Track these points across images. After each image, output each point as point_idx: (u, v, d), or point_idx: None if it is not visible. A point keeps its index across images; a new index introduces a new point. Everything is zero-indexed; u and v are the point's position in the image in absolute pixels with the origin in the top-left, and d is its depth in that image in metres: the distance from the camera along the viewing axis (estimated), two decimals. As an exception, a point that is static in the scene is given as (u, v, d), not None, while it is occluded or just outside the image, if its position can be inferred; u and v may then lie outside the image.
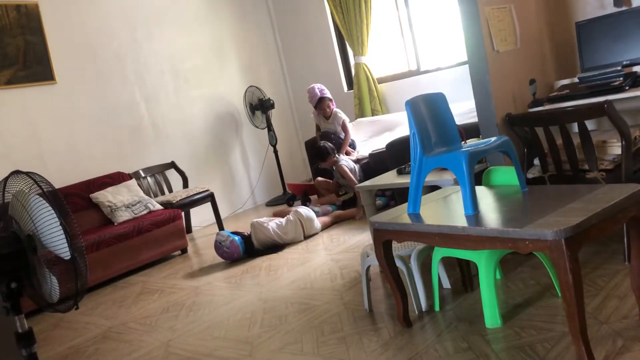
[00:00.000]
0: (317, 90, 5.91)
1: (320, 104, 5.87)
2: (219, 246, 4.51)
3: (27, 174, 1.88)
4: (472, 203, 2.27)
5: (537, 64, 3.50)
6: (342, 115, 5.88)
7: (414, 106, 2.49)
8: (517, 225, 2.00)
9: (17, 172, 1.92)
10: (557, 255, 1.89)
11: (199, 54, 6.53)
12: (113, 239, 4.70)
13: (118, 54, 5.78)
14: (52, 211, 1.86)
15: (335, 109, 5.93)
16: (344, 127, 5.82)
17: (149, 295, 4.15)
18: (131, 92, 5.86)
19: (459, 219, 2.28)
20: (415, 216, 2.47)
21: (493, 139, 2.47)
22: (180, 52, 6.34)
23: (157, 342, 3.17)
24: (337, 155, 5.35)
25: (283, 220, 4.69)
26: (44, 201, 1.87)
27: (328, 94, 5.92)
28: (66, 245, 1.85)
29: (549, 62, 3.60)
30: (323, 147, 5.34)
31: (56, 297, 1.93)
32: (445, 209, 2.54)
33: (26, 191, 1.88)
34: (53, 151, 5.23)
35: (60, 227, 1.83)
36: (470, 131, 3.59)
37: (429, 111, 2.53)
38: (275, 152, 6.68)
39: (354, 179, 5.17)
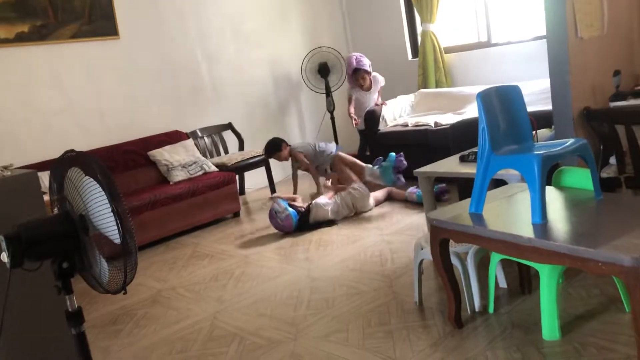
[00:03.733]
0: (353, 60, 5.79)
1: (355, 74, 5.76)
2: (274, 215, 4.47)
3: (80, 155, 1.86)
4: (541, 211, 2.11)
5: (624, 52, 3.21)
6: (380, 79, 5.92)
7: (485, 99, 2.32)
8: (591, 244, 1.85)
9: (70, 152, 1.90)
10: (634, 283, 1.73)
11: (262, 14, 6.39)
12: (168, 199, 4.76)
13: (182, 11, 5.72)
14: (103, 193, 1.83)
15: (374, 75, 5.88)
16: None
17: (200, 259, 4.20)
18: (192, 50, 5.82)
19: (525, 226, 2.13)
20: (478, 217, 2.33)
21: (570, 141, 2.28)
22: (243, 13, 6.22)
23: (204, 313, 3.20)
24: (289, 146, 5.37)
25: (339, 200, 4.58)
26: (96, 182, 1.84)
27: (366, 66, 5.79)
28: (117, 228, 1.82)
29: (637, 52, 3.30)
30: (273, 139, 5.39)
31: (106, 279, 1.93)
32: (510, 211, 2.39)
33: (79, 173, 1.86)
34: (113, 107, 5.28)
35: (110, 210, 1.80)
36: (542, 120, 3.36)
37: (502, 105, 2.35)
38: (332, 118, 6.55)
39: (308, 163, 5.24)
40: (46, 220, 1.91)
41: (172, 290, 3.65)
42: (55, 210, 2.06)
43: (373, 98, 5.94)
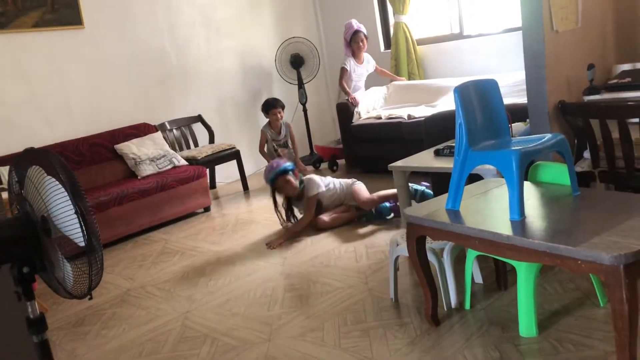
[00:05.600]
0: (353, 23, 5.82)
1: (355, 36, 5.76)
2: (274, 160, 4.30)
3: (40, 153, 1.75)
4: (520, 208, 2.08)
5: (597, 46, 3.21)
6: (372, 60, 6.02)
7: (462, 93, 2.27)
8: (570, 242, 1.82)
9: (30, 150, 1.79)
10: (614, 282, 1.71)
11: (233, 3, 6.26)
12: (136, 194, 4.63)
13: (150, 0, 5.55)
14: (66, 192, 1.72)
15: (366, 54, 5.97)
16: (380, 70, 6.06)
17: (169, 256, 4.09)
18: (161, 40, 5.66)
19: (503, 223, 2.10)
20: (455, 214, 2.29)
21: (548, 136, 2.25)
22: (214, 1, 6.08)
23: (175, 313, 3.11)
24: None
25: (338, 186, 4.28)
26: (57, 181, 1.74)
27: (364, 31, 5.82)
28: (81, 230, 1.72)
29: (610, 44, 3.30)
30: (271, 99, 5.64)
31: (70, 283, 1.83)
32: (487, 207, 2.36)
33: (40, 172, 1.75)
34: (79, 98, 5.11)
35: (73, 212, 1.70)
36: (516, 113, 3.34)
37: (479, 100, 2.31)
38: (305, 111, 6.47)
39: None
40: (4, 223, 1.80)
41: (141, 289, 3.55)
42: (15, 210, 1.95)
43: (362, 78, 5.94)
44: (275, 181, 4.11)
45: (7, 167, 4.14)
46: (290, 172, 4.13)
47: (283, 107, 5.73)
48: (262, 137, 5.71)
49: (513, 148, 2.13)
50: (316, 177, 4.20)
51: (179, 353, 2.66)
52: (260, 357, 2.50)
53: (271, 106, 5.66)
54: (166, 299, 3.33)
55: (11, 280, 1.79)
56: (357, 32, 5.75)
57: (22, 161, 1.84)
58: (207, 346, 2.68)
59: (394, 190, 3.82)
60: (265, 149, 5.70)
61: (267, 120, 5.72)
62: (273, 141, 5.68)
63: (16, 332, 1.96)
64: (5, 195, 3.17)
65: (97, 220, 1.78)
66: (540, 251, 1.89)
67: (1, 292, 1.91)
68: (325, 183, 4.22)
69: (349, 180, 4.29)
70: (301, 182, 4.17)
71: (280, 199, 4.25)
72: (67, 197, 1.71)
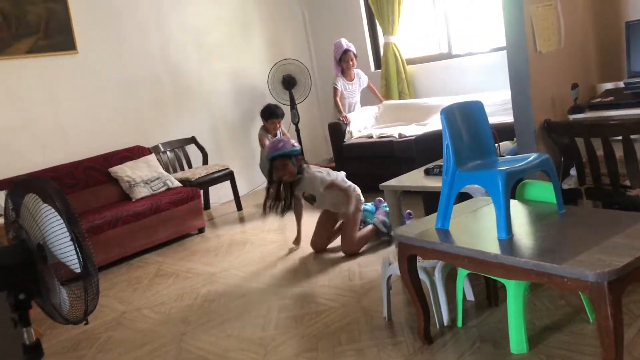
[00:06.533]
0: (342, 42, 5.90)
1: (344, 55, 5.84)
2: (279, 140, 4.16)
3: (34, 180, 1.79)
4: (506, 227, 2.13)
5: (580, 65, 3.29)
6: (363, 76, 6.10)
7: (448, 115, 2.34)
8: (556, 259, 1.87)
9: (26, 179, 1.83)
10: (598, 298, 1.75)
11: (224, 27, 6.35)
12: (130, 217, 4.65)
13: (142, 24, 5.63)
14: (61, 219, 1.76)
15: (357, 70, 6.04)
16: (371, 86, 6.14)
17: (164, 278, 4.11)
18: (153, 64, 5.73)
19: (491, 242, 2.14)
20: (444, 233, 2.33)
21: (533, 155, 2.31)
22: (205, 25, 6.16)
23: (170, 335, 3.12)
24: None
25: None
26: (53, 209, 1.78)
27: (354, 50, 5.91)
28: (77, 257, 1.75)
29: (593, 64, 3.38)
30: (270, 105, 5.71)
31: (66, 308, 1.85)
32: (476, 226, 2.41)
33: (36, 199, 1.78)
34: (73, 122, 5.15)
35: (69, 239, 1.74)
36: (504, 132, 3.40)
37: (465, 121, 2.37)
38: (297, 130, 6.53)
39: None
40: (1, 251, 1.83)
41: (136, 312, 3.56)
42: (11, 237, 1.98)
43: (356, 95, 6.03)
44: (275, 160, 3.97)
45: (1, 192, 4.17)
46: (293, 158, 3.97)
47: (283, 117, 5.84)
48: (261, 141, 5.80)
49: (499, 168, 2.19)
50: (318, 174, 4.01)
51: (175, 376, 2.68)
52: (255, 379, 2.52)
53: (273, 115, 5.75)
54: (162, 321, 3.35)
55: (7, 306, 1.81)
56: (346, 51, 5.84)
57: (18, 189, 1.88)
58: (203, 368, 2.70)
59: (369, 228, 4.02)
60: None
61: (262, 125, 5.80)
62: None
63: (12, 358, 1.98)
64: (1, 221, 3.19)
65: (92, 244, 1.82)
66: (527, 269, 1.94)
67: (-2, 319, 1.93)
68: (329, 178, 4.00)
69: (345, 184, 4.06)
70: (300, 171, 3.99)
71: (274, 191, 4.09)
72: (63, 224, 1.74)
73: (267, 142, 5.61)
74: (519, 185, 2.59)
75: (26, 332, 1.86)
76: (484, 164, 2.33)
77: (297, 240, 4.26)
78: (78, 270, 1.76)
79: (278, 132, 5.83)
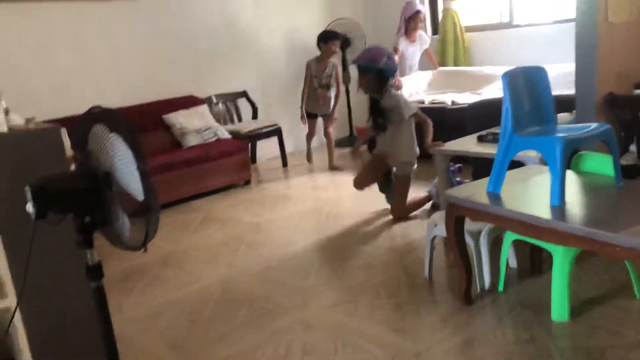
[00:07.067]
0: (417, 1, 5.84)
1: (415, 16, 5.74)
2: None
3: (107, 112, 1.86)
4: (561, 194, 2.12)
5: (652, 39, 3.16)
6: (426, 38, 6.06)
7: (511, 79, 2.31)
8: (610, 228, 1.85)
9: (96, 109, 1.90)
10: (651, 269, 1.74)
11: (283, -19, 6.32)
12: (181, 163, 4.77)
13: (202, -26, 5.66)
14: (129, 151, 1.84)
15: (420, 32, 5.97)
16: (428, 51, 6.11)
17: (211, 224, 4.23)
18: (211, 15, 5.76)
19: (543, 208, 2.13)
20: (495, 197, 2.33)
21: (594, 125, 2.27)
22: (264, -22, 6.15)
23: (215, 277, 3.24)
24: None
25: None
26: (122, 140, 1.85)
27: (424, 11, 5.90)
28: (140, 186, 1.84)
29: (666, 38, 3.25)
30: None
31: (127, 236, 1.95)
32: (527, 193, 2.39)
33: (104, 129, 1.86)
34: (130, 68, 5.27)
35: (135, 168, 1.81)
36: (563, 104, 3.32)
37: (527, 86, 2.34)
38: (347, 92, 6.51)
39: None
40: (71, 175, 1.93)
41: (183, 253, 3.69)
42: (74, 167, 2.08)
43: (416, 56, 5.99)
44: (361, 67, 3.84)
45: (63, 129, 4.33)
46: (380, 73, 3.77)
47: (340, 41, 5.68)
48: (305, 73, 5.57)
49: (558, 135, 2.16)
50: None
51: (219, 314, 2.79)
52: (295, 322, 2.60)
53: (332, 37, 5.54)
54: (207, 263, 3.47)
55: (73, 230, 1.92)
56: (419, 11, 5.75)
57: (88, 118, 1.97)
58: (245, 309, 2.80)
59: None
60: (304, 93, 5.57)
61: (315, 57, 5.62)
62: (315, 78, 5.57)
63: (76, 279, 2.10)
64: (69, 152, 3.33)
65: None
66: (579, 236, 1.93)
67: (64, 241, 2.03)
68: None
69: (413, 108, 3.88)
70: (386, 90, 3.84)
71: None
72: (130, 155, 1.82)
73: (307, 82, 5.52)
74: (575, 156, 2.55)
75: (89, 254, 1.97)
76: (543, 130, 2.30)
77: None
78: (141, 199, 1.84)
79: (329, 65, 5.55)
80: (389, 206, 3.97)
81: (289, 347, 2.39)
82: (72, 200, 1.88)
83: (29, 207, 1.81)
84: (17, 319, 1.86)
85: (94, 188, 1.89)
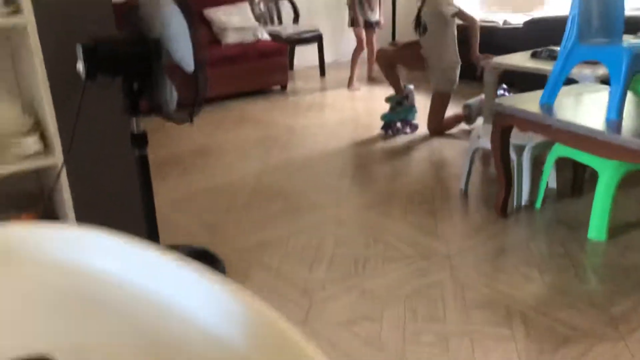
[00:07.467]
0: None
1: None
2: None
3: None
4: (619, 107, 2.03)
5: None
6: None
7: (583, -17, 2.16)
8: (669, 144, 1.78)
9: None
10: None
11: None
12: (219, 61, 4.71)
13: None
14: (183, 19, 1.79)
15: None
16: None
17: (245, 124, 4.22)
18: None
19: (597, 122, 2.06)
20: (548, 107, 2.25)
21: (665, 40, 2.14)
22: None
23: (250, 170, 3.26)
24: None
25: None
26: (176, 7, 1.80)
27: None
28: (192, 56, 1.80)
29: None
30: None
31: (173, 107, 1.94)
32: (581, 107, 2.31)
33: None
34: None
35: (188, 37, 1.78)
36: (630, 25, 3.14)
37: (599, -6, 2.19)
38: (394, 3, 6.27)
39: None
40: (122, 38, 1.90)
41: (218, 147, 3.71)
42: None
43: None
44: None
45: None
46: None
47: None
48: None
49: (626, 46, 2.05)
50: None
51: (253, 203, 2.82)
52: (329, 218, 2.63)
53: None
54: (242, 158, 3.48)
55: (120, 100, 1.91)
56: None
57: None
58: (280, 202, 2.82)
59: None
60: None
61: None
62: None
63: (120, 149, 2.11)
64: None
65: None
66: (633, 150, 1.86)
67: (111, 108, 2.03)
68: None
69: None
70: None
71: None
72: (184, 23, 1.77)
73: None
74: (637, 77, 2.43)
75: (135, 122, 1.97)
76: (609, 42, 2.18)
77: None
78: (190, 69, 1.81)
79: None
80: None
81: (322, 239, 2.42)
82: (122, 64, 1.87)
83: (79, 67, 1.79)
84: (63, 178, 1.88)
85: (144, 54, 1.87)
